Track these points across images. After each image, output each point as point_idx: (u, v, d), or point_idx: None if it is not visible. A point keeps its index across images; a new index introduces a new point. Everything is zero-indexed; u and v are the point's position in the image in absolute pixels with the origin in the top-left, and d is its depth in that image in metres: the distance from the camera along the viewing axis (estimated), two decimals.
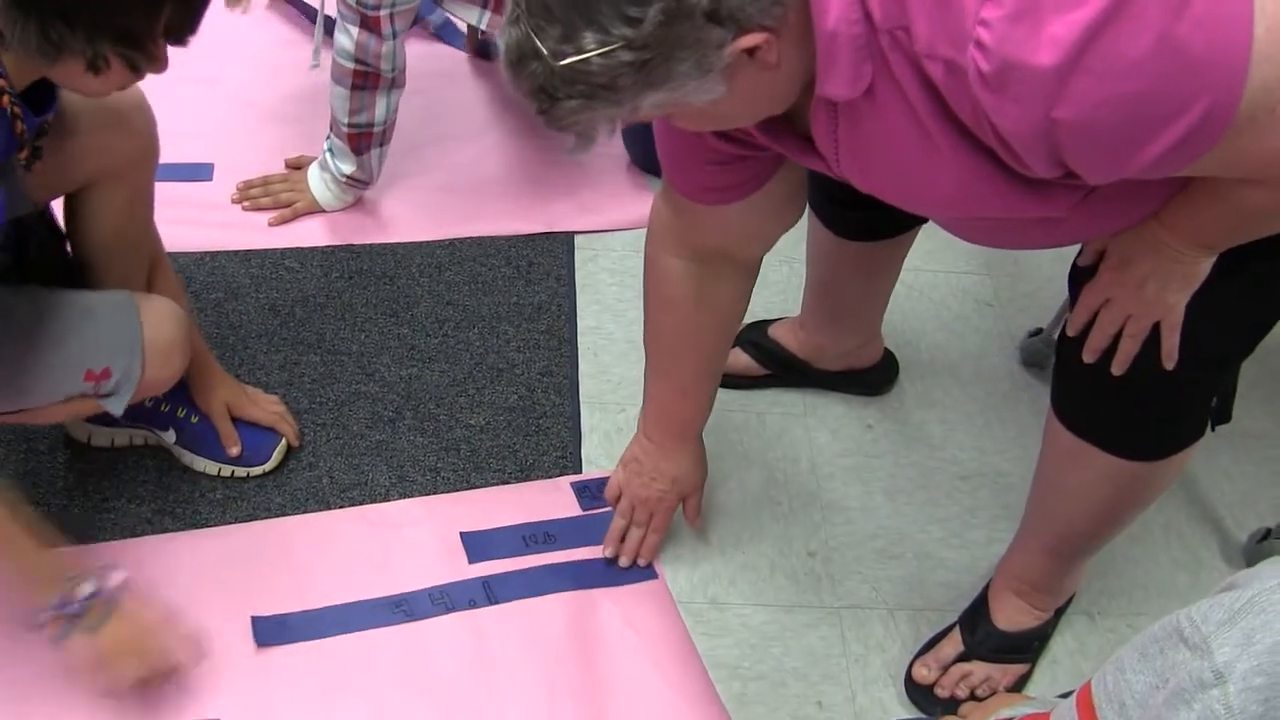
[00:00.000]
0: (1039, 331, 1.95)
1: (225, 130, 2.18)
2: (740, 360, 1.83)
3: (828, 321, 1.79)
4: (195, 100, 2.19)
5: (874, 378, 1.89)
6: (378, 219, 2.05)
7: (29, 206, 1.34)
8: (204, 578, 1.50)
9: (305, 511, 1.62)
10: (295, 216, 2.02)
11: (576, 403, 1.81)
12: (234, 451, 1.62)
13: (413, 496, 1.66)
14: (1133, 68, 0.83)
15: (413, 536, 1.60)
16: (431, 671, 1.46)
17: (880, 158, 1.02)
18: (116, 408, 1.36)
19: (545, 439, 1.75)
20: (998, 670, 1.52)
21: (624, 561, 1.59)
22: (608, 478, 1.66)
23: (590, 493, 1.68)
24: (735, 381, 1.82)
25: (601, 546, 1.59)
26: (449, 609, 1.52)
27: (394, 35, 1.83)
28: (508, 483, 1.69)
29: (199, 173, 2.08)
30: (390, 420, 1.75)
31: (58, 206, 1.48)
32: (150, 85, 1.36)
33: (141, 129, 1.44)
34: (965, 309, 2.06)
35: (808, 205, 1.56)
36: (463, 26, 2.44)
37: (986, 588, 1.57)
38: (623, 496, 1.57)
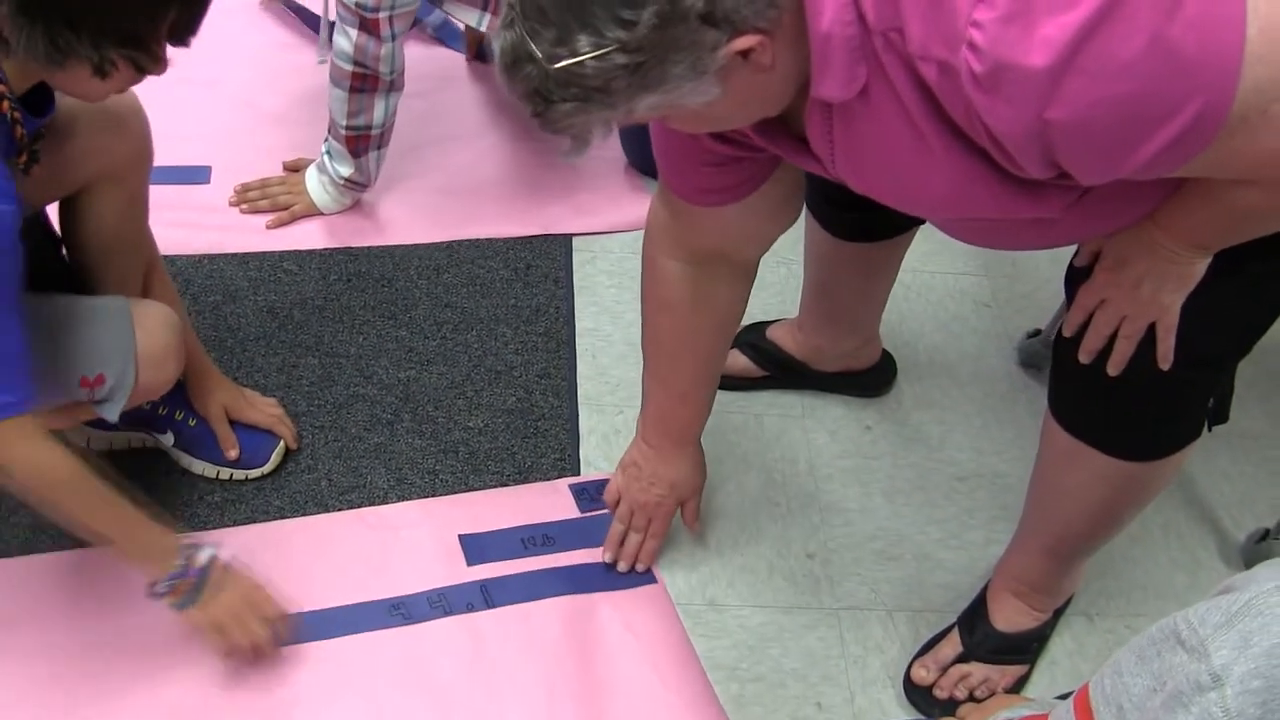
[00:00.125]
0: (1037, 333, 1.95)
1: (223, 133, 2.18)
2: (738, 362, 1.83)
3: (826, 323, 1.79)
4: (192, 103, 2.20)
5: (872, 379, 1.89)
6: (376, 221, 2.05)
7: (27, 211, 1.34)
8: None
9: (303, 514, 1.62)
10: (293, 219, 2.02)
11: (574, 405, 1.81)
12: (232, 454, 1.62)
13: (411, 499, 1.66)
14: (1125, 69, 0.84)
15: (411, 539, 1.60)
16: (430, 674, 1.46)
17: (874, 159, 1.02)
18: (111, 414, 1.36)
19: (543, 441, 1.75)
20: (996, 671, 1.52)
21: (623, 566, 1.59)
22: (606, 479, 1.66)
23: (589, 494, 1.68)
24: (733, 383, 1.82)
25: (600, 549, 1.60)
26: (447, 612, 1.52)
27: (393, 38, 1.83)
28: (506, 485, 1.69)
29: (196, 175, 2.08)
30: (388, 423, 1.75)
31: (52, 211, 1.48)
32: (147, 88, 1.36)
33: (137, 131, 1.44)
34: (963, 310, 2.07)
35: (805, 206, 1.57)
36: (461, 28, 2.45)
37: (985, 589, 1.57)
38: (621, 501, 1.57)
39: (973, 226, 1.17)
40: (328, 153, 1.98)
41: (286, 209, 2.02)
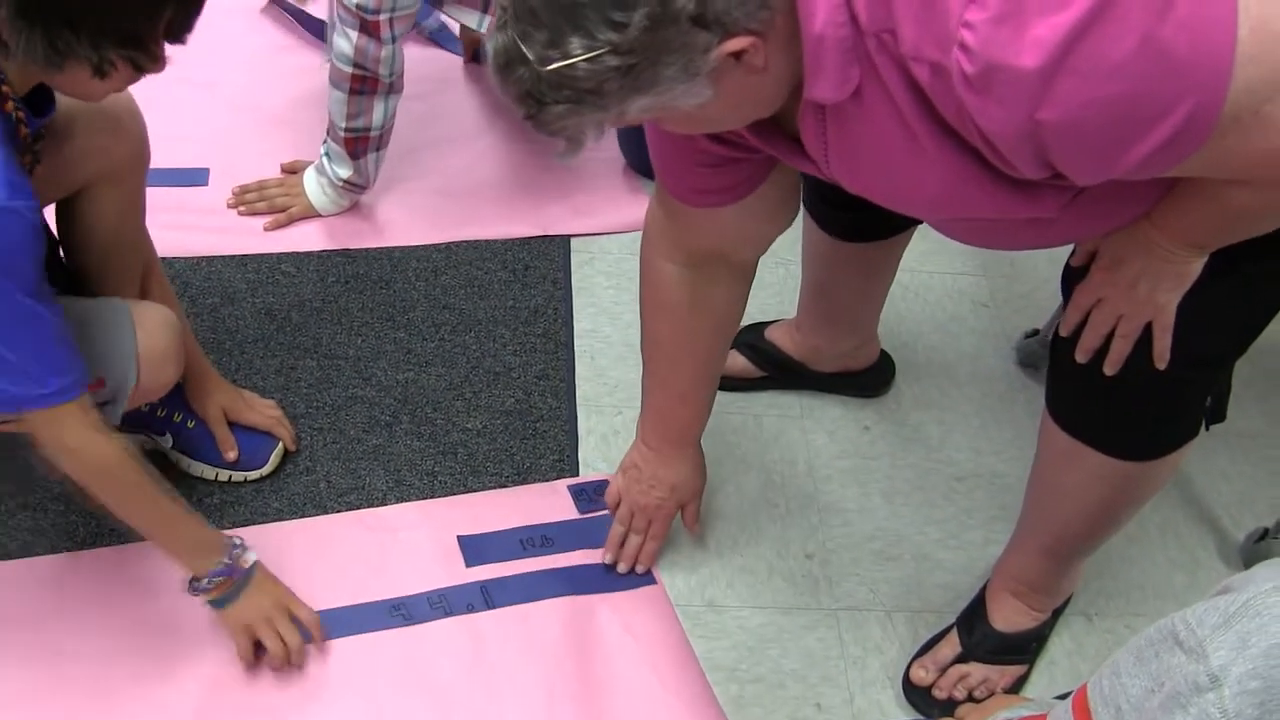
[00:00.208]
0: (1035, 333, 1.95)
1: (220, 135, 2.18)
2: (737, 362, 1.83)
3: (824, 323, 1.79)
4: (190, 105, 2.19)
5: (871, 379, 1.89)
6: (374, 223, 2.05)
7: None
8: None
9: (302, 516, 1.62)
10: (291, 221, 2.02)
11: (573, 406, 1.81)
12: (231, 456, 1.62)
13: (409, 500, 1.66)
14: (1116, 70, 0.84)
15: (410, 540, 1.60)
16: (430, 675, 1.46)
17: (868, 159, 1.02)
18: (113, 417, 1.36)
19: (542, 442, 1.75)
20: (995, 671, 1.52)
21: (623, 568, 1.59)
22: (605, 480, 1.66)
23: (587, 495, 1.68)
24: (732, 384, 1.82)
25: (599, 550, 1.60)
26: (447, 613, 1.52)
27: (393, 40, 1.83)
28: (505, 486, 1.69)
29: (194, 178, 2.08)
30: (387, 424, 1.75)
31: (49, 213, 1.48)
32: (144, 90, 1.36)
33: (134, 132, 1.44)
34: (961, 310, 2.07)
35: (802, 207, 1.57)
36: (456, 31, 2.44)
37: (984, 589, 1.58)
38: (622, 503, 1.57)
39: (968, 226, 1.17)
40: (326, 154, 1.98)
41: (284, 211, 2.02)
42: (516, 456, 1.73)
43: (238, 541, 1.40)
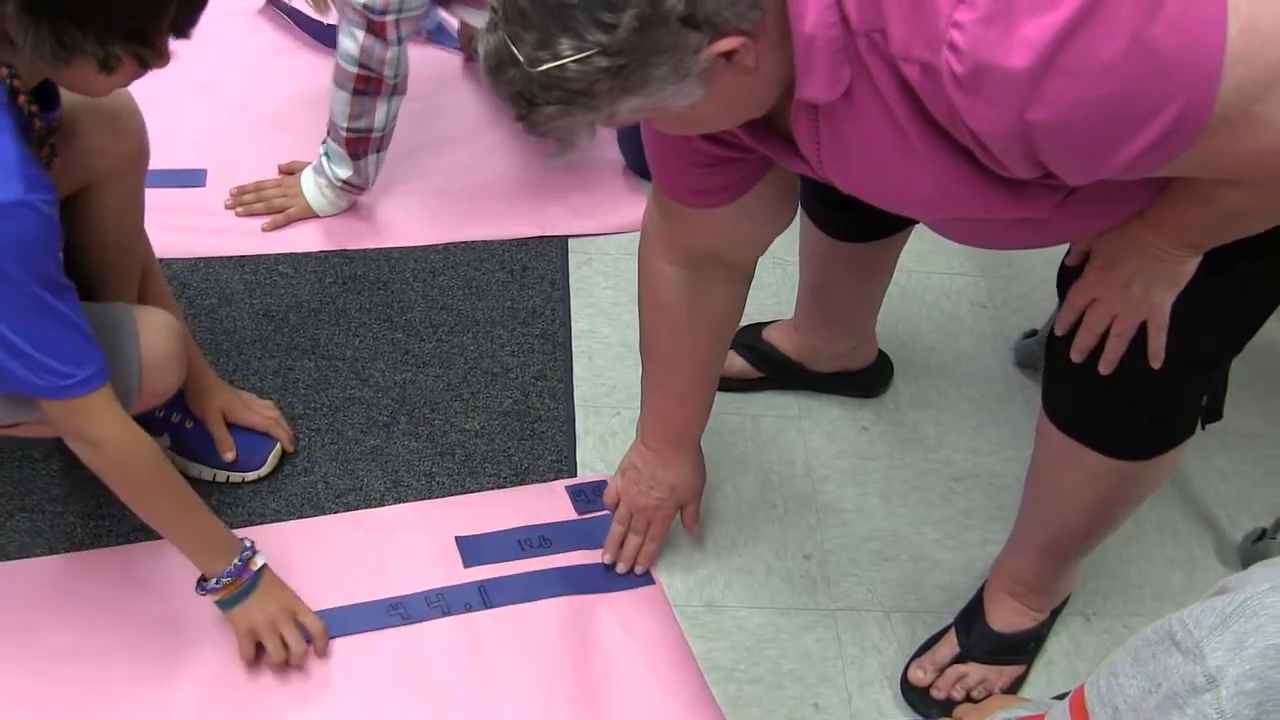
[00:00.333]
0: (1033, 333, 1.95)
1: (218, 136, 2.18)
2: (735, 363, 1.83)
3: (822, 323, 1.79)
4: (188, 106, 2.19)
5: (868, 379, 1.89)
6: (372, 224, 2.05)
7: None
8: None
9: (300, 517, 1.62)
10: (289, 222, 2.02)
11: (571, 406, 1.81)
12: (229, 457, 1.62)
13: (407, 501, 1.66)
14: (1106, 70, 0.84)
15: (408, 541, 1.60)
16: (428, 674, 1.46)
17: (860, 160, 1.03)
18: None
19: (540, 443, 1.75)
20: (993, 672, 1.52)
21: (621, 568, 1.59)
22: (603, 481, 1.66)
23: (585, 496, 1.68)
24: (730, 384, 1.82)
25: (598, 551, 1.60)
26: (445, 612, 1.52)
27: (399, 41, 1.83)
28: (503, 487, 1.69)
29: (192, 179, 2.08)
30: (385, 425, 1.75)
31: None
32: (142, 91, 1.36)
33: (133, 130, 1.44)
34: (959, 310, 2.07)
35: (799, 207, 1.57)
36: (455, 30, 2.44)
37: (982, 589, 1.58)
38: (621, 504, 1.58)
39: (962, 226, 1.17)
40: (326, 154, 1.97)
41: (282, 212, 2.02)
42: (514, 457, 1.73)
43: (248, 544, 1.40)
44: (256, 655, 1.42)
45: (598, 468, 1.73)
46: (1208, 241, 1.07)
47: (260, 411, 1.67)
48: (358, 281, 1.96)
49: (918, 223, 1.53)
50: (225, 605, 1.40)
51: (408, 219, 2.07)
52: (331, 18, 2.32)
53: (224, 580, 1.37)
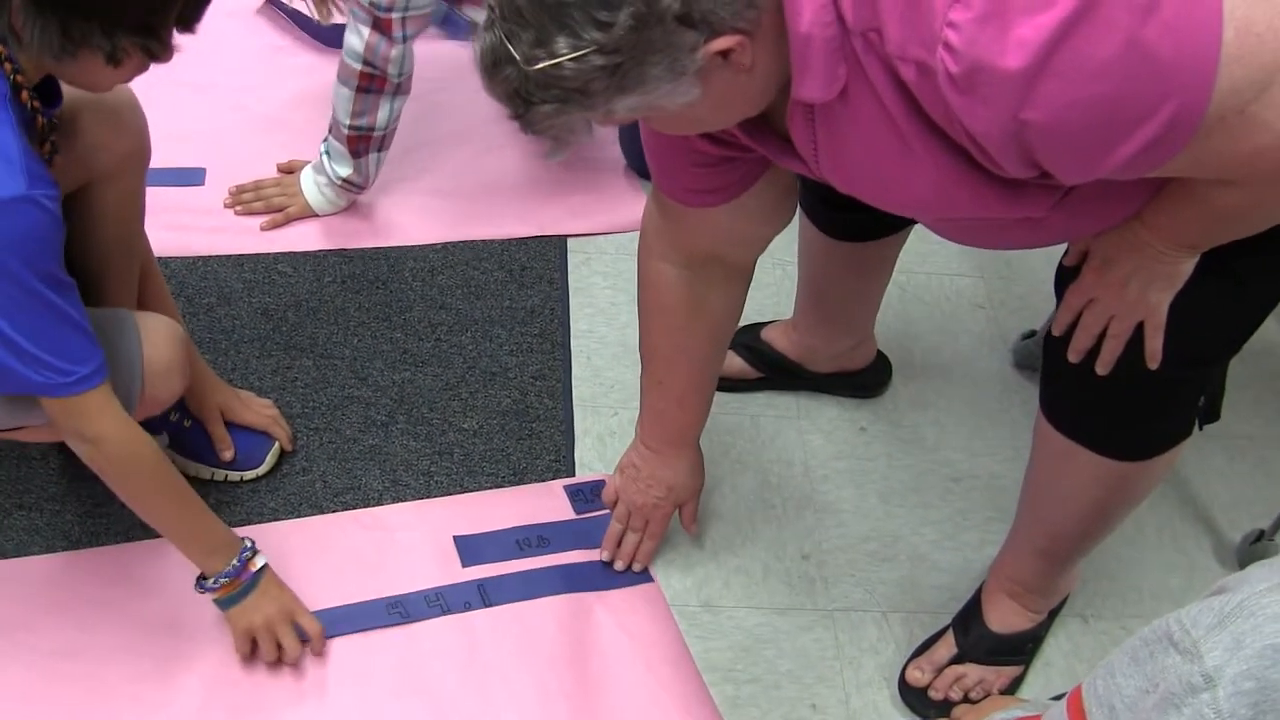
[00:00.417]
0: (1032, 334, 1.95)
1: (217, 135, 2.18)
2: (733, 363, 1.83)
3: (820, 323, 1.79)
4: (187, 105, 2.19)
5: (867, 380, 1.89)
6: (371, 223, 2.05)
7: None
8: None
9: (298, 515, 1.62)
10: (288, 221, 2.02)
11: (569, 406, 1.81)
12: (227, 456, 1.62)
13: (405, 500, 1.66)
14: (1100, 71, 0.84)
15: (406, 540, 1.60)
16: (426, 673, 1.46)
17: (857, 159, 1.03)
18: None
19: (538, 442, 1.75)
20: (991, 672, 1.52)
21: (619, 566, 1.59)
22: (601, 480, 1.66)
23: (583, 496, 1.68)
24: (728, 384, 1.82)
25: (595, 550, 1.60)
26: (445, 611, 1.52)
27: (404, 39, 1.82)
28: (501, 486, 1.69)
29: (191, 178, 2.08)
30: (383, 424, 1.75)
31: None
32: (141, 90, 1.36)
33: (135, 127, 1.44)
34: (958, 311, 2.07)
35: (799, 207, 1.57)
36: (467, 21, 2.43)
37: (980, 590, 1.58)
38: (619, 502, 1.58)
39: (959, 226, 1.17)
40: (326, 152, 1.97)
41: (281, 211, 2.02)
42: (513, 457, 1.73)
43: (249, 545, 1.40)
44: (252, 652, 1.42)
45: (596, 467, 1.73)
46: (1205, 242, 1.07)
47: (259, 410, 1.67)
48: (356, 280, 1.96)
49: (916, 223, 1.53)
50: (223, 605, 1.40)
51: (407, 218, 2.07)
52: (332, 21, 2.32)
53: (222, 580, 1.37)
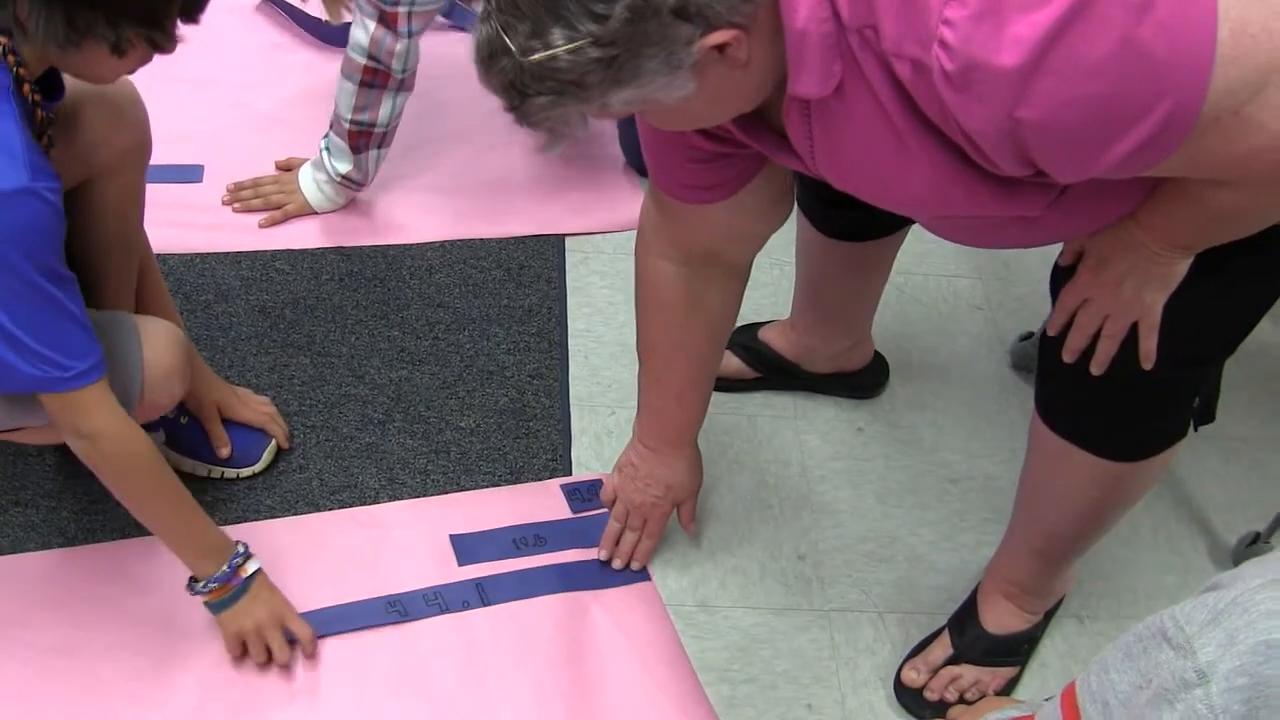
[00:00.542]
0: (1029, 335, 1.95)
1: (215, 132, 2.18)
2: (731, 363, 1.83)
3: (818, 323, 1.79)
4: (185, 102, 2.19)
5: (864, 380, 1.89)
6: (369, 221, 2.05)
7: None
8: None
9: (294, 513, 1.62)
10: (286, 218, 2.02)
11: (567, 405, 1.81)
12: (224, 453, 1.62)
13: (402, 499, 1.66)
14: (1095, 69, 0.84)
15: (402, 539, 1.60)
16: (423, 672, 1.46)
17: (852, 156, 1.03)
18: None
19: (535, 441, 1.75)
20: (987, 673, 1.52)
21: (618, 564, 1.59)
22: (598, 480, 1.66)
23: (581, 495, 1.68)
24: (726, 384, 1.82)
25: (592, 549, 1.60)
26: (443, 610, 1.52)
27: (410, 34, 1.82)
28: (498, 485, 1.69)
29: (189, 175, 2.08)
30: (380, 422, 1.75)
31: None
32: (140, 86, 1.36)
33: (136, 121, 1.44)
34: (956, 312, 2.07)
35: (796, 205, 1.57)
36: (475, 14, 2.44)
37: (976, 590, 1.58)
38: (618, 501, 1.58)
39: (954, 224, 1.17)
40: (327, 148, 1.97)
41: (280, 208, 2.02)
42: (509, 456, 1.73)
43: (241, 549, 1.40)
44: (243, 654, 1.42)
45: (593, 467, 1.73)
46: (1199, 243, 1.07)
47: (256, 407, 1.67)
48: (354, 278, 1.96)
49: (914, 223, 1.53)
50: (214, 608, 1.40)
51: (406, 216, 2.07)
52: (344, 21, 2.32)
53: (212, 585, 1.37)
